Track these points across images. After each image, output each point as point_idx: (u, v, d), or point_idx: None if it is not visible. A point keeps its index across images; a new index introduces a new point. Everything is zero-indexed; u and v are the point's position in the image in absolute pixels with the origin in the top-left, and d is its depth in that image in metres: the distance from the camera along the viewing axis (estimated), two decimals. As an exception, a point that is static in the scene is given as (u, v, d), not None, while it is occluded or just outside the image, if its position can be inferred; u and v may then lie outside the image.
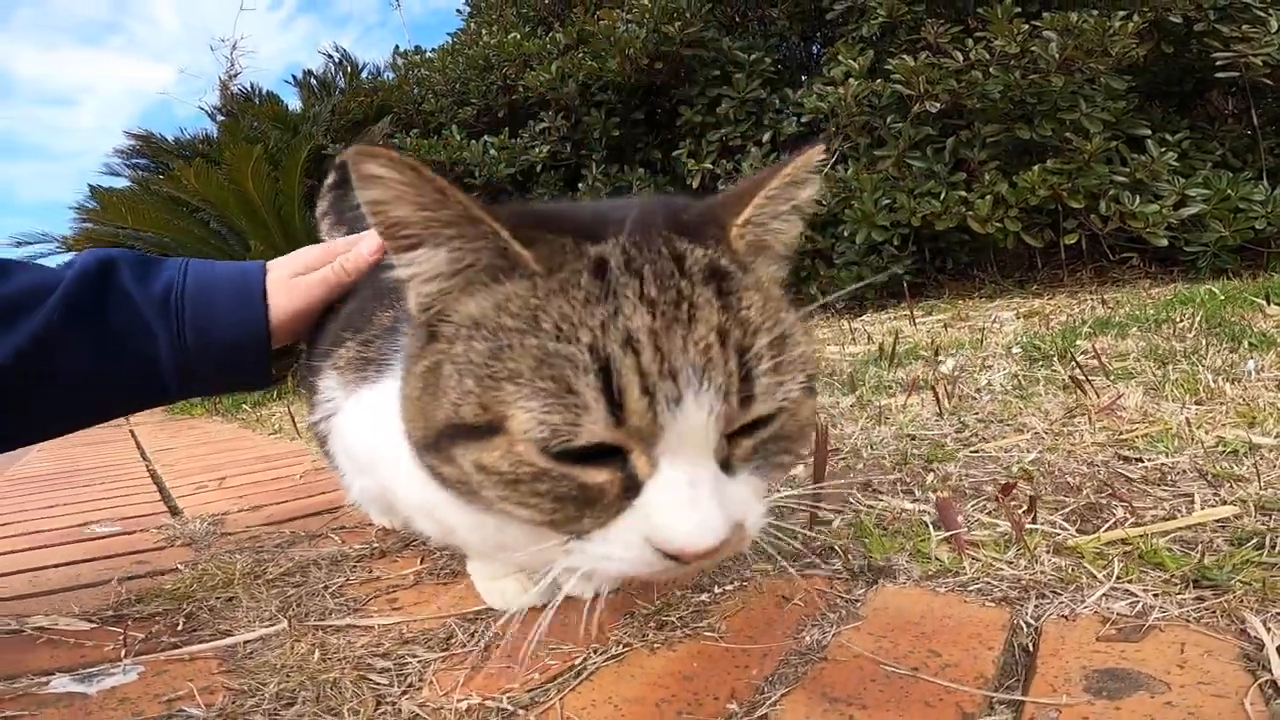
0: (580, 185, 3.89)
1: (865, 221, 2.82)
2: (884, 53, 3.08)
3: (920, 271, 3.12)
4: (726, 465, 0.41)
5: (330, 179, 1.28)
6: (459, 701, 0.51)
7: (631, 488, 0.40)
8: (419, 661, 0.58)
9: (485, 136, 4.17)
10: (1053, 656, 0.52)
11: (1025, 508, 0.75)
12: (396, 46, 5.80)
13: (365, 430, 0.64)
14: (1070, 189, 2.60)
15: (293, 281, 0.78)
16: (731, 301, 0.43)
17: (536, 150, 3.99)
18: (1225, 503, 0.73)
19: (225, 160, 4.18)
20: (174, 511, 1.25)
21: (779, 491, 0.56)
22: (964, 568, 0.67)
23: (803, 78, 3.52)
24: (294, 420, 2.32)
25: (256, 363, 0.77)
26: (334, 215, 1.20)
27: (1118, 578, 0.61)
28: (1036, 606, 0.59)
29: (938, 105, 2.72)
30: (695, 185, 3.44)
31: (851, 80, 2.91)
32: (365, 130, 4.71)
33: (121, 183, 5.66)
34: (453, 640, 0.61)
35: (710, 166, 3.41)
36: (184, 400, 0.80)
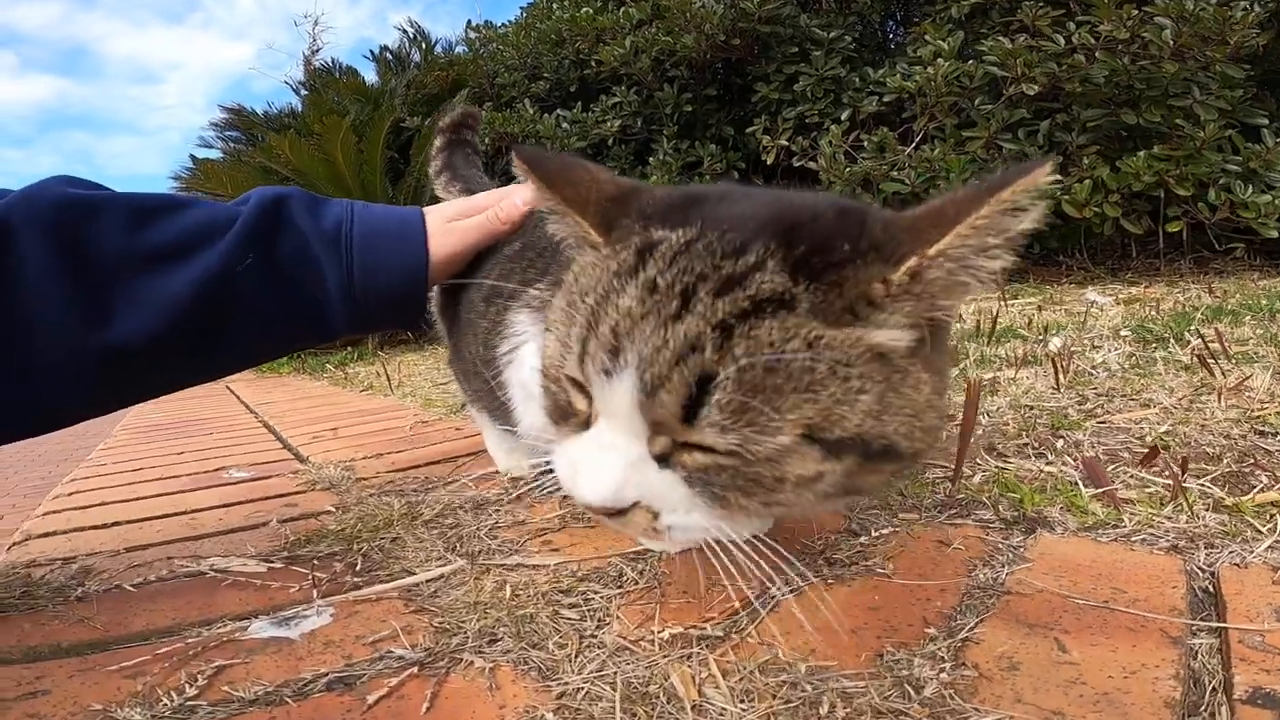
0: (650, 160, 3.83)
1: (951, 204, 2.69)
2: (972, 34, 2.92)
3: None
4: (664, 459, 0.42)
5: (438, 141, 1.30)
6: (660, 632, 0.50)
7: (586, 424, 0.46)
8: (600, 597, 0.57)
9: (558, 110, 4.14)
10: (1237, 595, 0.51)
11: (1181, 467, 0.74)
12: (469, 21, 5.80)
13: None
14: (1179, 176, 2.42)
15: (449, 226, 0.79)
16: (737, 329, 0.39)
17: (608, 124, 3.93)
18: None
19: (316, 132, 4.25)
20: (300, 459, 1.28)
21: None
22: (1123, 520, 0.66)
23: (880, 57, 3.36)
24: (388, 377, 2.36)
25: (417, 303, 0.77)
26: (449, 173, 1.22)
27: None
28: (1207, 555, 0.59)
29: (1035, 88, 2.56)
30: (770, 161, 3.35)
31: (940, 60, 2.75)
32: (444, 105, 4.72)
33: (214, 154, 5.85)
34: (624, 578, 0.60)
35: (786, 143, 3.30)
36: (343, 338, 0.78)
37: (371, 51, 6.35)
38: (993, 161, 2.71)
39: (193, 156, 5.42)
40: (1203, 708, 0.41)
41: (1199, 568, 0.57)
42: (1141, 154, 2.47)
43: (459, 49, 5.83)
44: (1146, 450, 0.80)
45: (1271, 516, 0.63)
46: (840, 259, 0.41)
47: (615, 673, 0.46)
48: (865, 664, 0.46)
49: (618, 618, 0.54)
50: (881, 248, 0.41)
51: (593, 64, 4.06)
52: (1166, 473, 0.75)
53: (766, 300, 0.40)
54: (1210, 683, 0.43)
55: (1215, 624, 0.48)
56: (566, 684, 0.45)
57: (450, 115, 1.33)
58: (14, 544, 0.84)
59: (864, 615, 0.52)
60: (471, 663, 0.48)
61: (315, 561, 0.69)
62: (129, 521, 0.89)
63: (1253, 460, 0.78)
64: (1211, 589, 0.54)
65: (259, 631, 0.54)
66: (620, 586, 0.59)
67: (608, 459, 0.43)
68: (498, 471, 0.99)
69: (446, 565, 0.65)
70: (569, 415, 0.47)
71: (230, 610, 0.58)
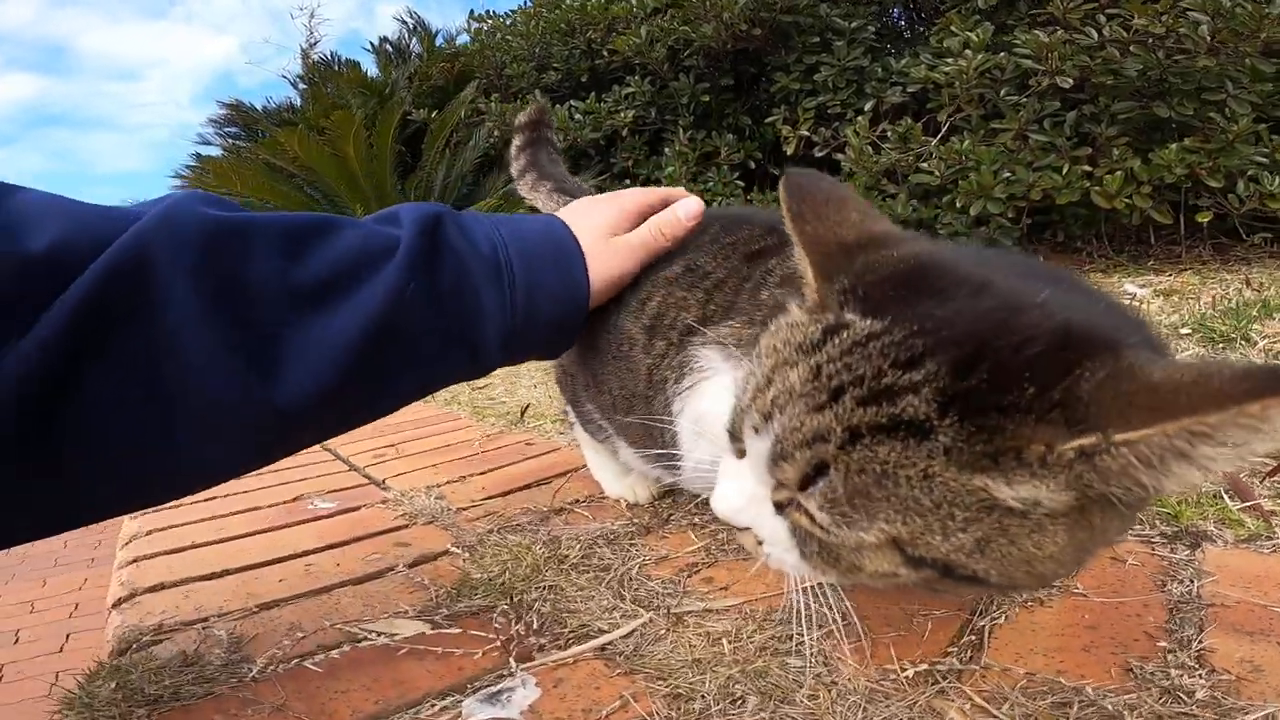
0: (666, 151, 3.76)
1: (982, 193, 2.65)
2: (998, 26, 2.87)
3: (1018, 242, 2.95)
4: (780, 507, 0.46)
5: (518, 140, 1.23)
6: (904, 671, 0.49)
7: (740, 456, 0.50)
8: (809, 639, 0.54)
9: (570, 101, 4.04)
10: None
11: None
12: (471, 11, 5.66)
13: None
14: (1211, 169, 2.40)
15: (610, 244, 0.71)
16: (863, 440, 0.40)
17: (621, 115, 3.84)
18: None
19: (322, 127, 4.14)
20: (377, 484, 1.22)
21: None
22: (1275, 531, 0.69)
23: (901, 48, 3.29)
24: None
25: (571, 333, 0.70)
26: (535, 172, 1.15)
27: None
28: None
29: (1069, 81, 2.52)
30: (791, 151, 3.29)
31: (969, 52, 2.70)
32: (454, 98, 4.60)
33: (215, 151, 5.69)
34: (821, 615, 0.57)
35: (807, 134, 3.24)
36: (492, 371, 0.68)
37: (371, 43, 6.19)
38: (1019, 153, 2.68)
39: (198, 155, 5.26)
40: None
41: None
42: (1173, 146, 2.44)
43: (461, 39, 5.69)
44: (1273, 464, 0.81)
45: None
46: (1010, 404, 0.37)
47: (889, 718, 0.45)
48: (1118, 678, 0.48)
49: (839, 658, 0.52)
50: (1073, 407, 0.35)
51: (605, 54, 3.96)
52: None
53: (906, 423, 0.39)
54: None
55: None
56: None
57: (527, 112, 1.25)
58: (122, 600, 0.79)
59: (1086, 634, 0.53)
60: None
61: (483, 619, 0.64)
62: (241, 569, 0.84)
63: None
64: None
65: (476, 712, 0.50)
66: (823, 624, 0.56)
67: (738, 487, 0.49)
68: (604, 496, 0.95)
69: (635, 618, 0.61)
70: (734, 439, 0.51)
71: (428, 687, 0.54)
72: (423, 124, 4.71)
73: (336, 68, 5.76)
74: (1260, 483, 0.79)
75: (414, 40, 5.99)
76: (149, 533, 1.06)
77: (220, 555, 0.90)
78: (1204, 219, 2.56)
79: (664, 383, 0.72)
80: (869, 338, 0.42)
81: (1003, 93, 2.70)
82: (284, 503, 1.14)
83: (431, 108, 4.77)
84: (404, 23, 6.12)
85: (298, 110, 5.50)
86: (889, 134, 2.93)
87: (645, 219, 0.76)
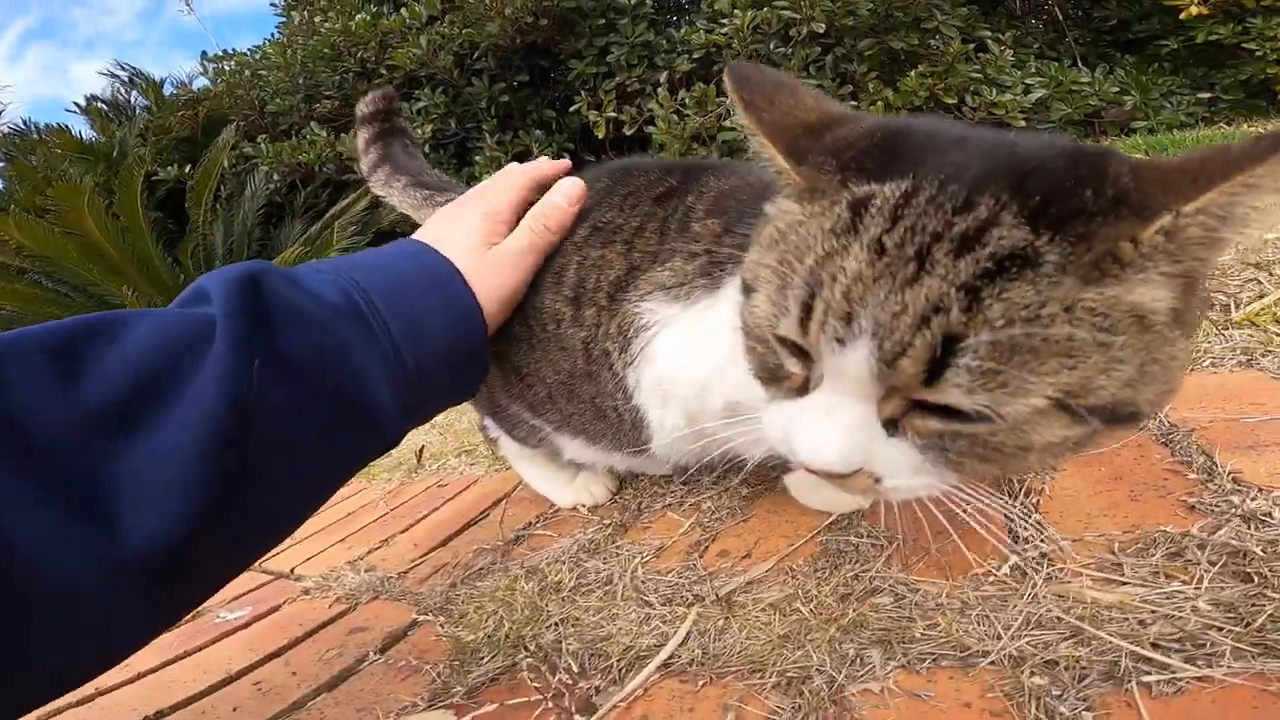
0: (476, 158, 3.64)
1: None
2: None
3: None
4: (893, 423, 0.40)
5: (365, 134, 1.07)
6: (999, 570, 0.47)
7: (804, 388, 0.43)
8: (883, 568, 0.51)
9: (356, 128, 3.74)
10: None
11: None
12: (204, 52, 4.97)
13: (702, 336, 0.59)
14: (944, 88, 2.91)
15: (490, 258, 0.60)
16: (984, 288, 0.36)
17: (419, 131, 3.64)
18: None
19: (46, 205, 3.36)
20: (288, 577, 0.98)
21: None
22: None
23: (680, 18, 3.54)
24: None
25: (479, 364, 0.59)
26: (387, 166, 1.00)
27: None
28: None
29: (821, 27, 2.89)
30: (602, 135, 3.37)
31: (739, 11, 2.99)
32: (209, 148, 4.01)
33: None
34: (863, 550, 0.55)
35: (614, 114, 3.34)
36: (403, 432, 0.56)
37: (76, 104, 5.16)
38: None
39: None
40: None
41: None
42: (912, 73, 2.92)
43: (199, 83, 4.99)
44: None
45: None
46: (1079, 210, 0.36)
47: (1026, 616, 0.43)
48: (1189, 516, 0.48)
49: (922, 581, 0.50)
50: (1129, 199, 0.36)
51: (383, 71, 3.73)
52: None
53: (1009, 257, 0.36)
54: None
55: None
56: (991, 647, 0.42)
57: (368, 101, 1.07)
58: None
59: (1120, 486, 0.52)
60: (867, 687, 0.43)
61: (512, 682, 0.53)
62: (180, 707, 0.65)
63: None
64: None
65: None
66: (876, 554, 0.55)
67: (835, 424, 0.41)
68: (556, 509, 0.86)
69: (681, 620, 0.53)
70: (779, 378, 0.44)
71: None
72: (178, 181, 4.05)
73: (38, 136, 4.73)
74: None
75: (133, 93, 5.13)
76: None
77: (141, 696, 0.69)
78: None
79: (607, 356, 0.65)
80: (907, 197, 0.39)
81: (772, 45, 3.02)
82: (185, 623, 0.89)
83: (182, 162, 4.11)
84: (115, 76, 5.20)
85: (1, 193, 4.42)
86: (687, 101, 3.13)
87: (520, 214, 0.67)
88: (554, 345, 0.69)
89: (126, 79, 5.17)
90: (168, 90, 5.04)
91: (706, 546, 0.66)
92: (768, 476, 0.74)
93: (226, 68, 4.54)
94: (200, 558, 0.43)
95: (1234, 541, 0.45)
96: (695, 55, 3.20)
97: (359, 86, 3.93)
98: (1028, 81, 2.89)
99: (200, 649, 0.78)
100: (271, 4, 4.74)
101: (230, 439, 0.41)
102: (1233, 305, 0.85)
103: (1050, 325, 0.35)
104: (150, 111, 4.79)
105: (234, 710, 0.62)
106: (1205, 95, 2.89)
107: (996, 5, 3.49)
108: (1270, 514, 0.47)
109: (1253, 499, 0.49)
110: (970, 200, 0.37)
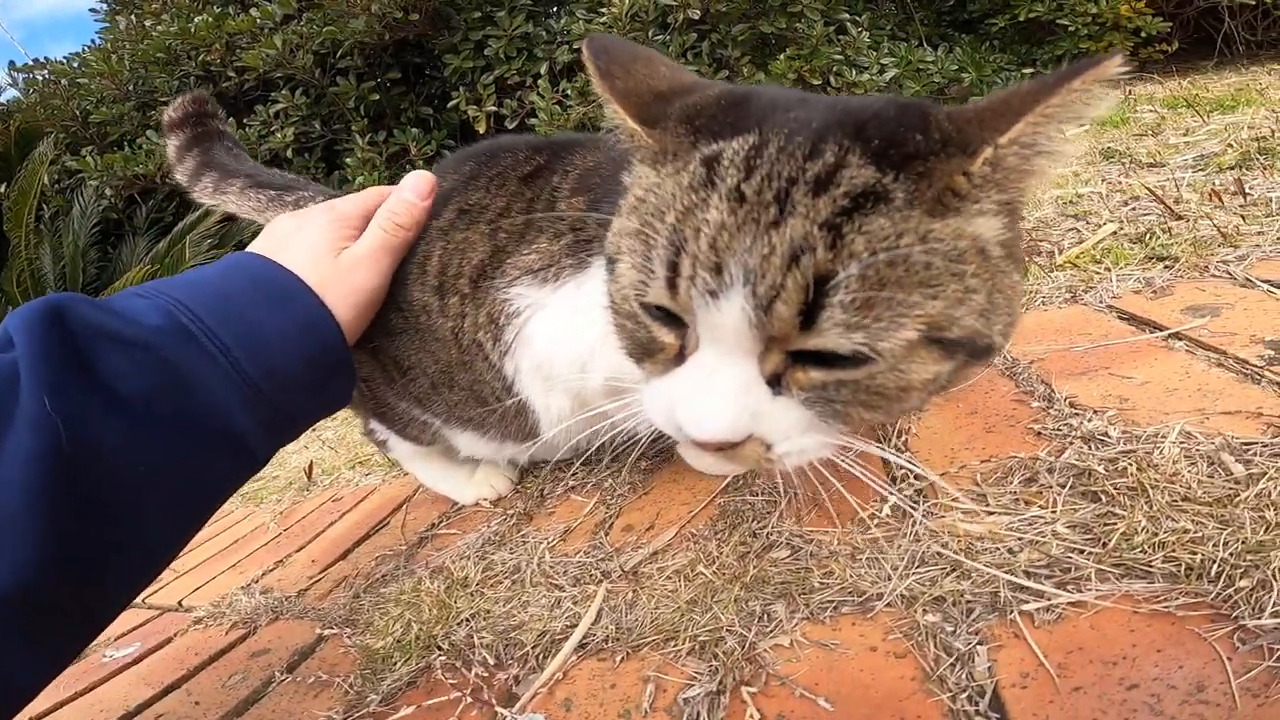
0: (348, 160, 3.41)
1: (667, 126, 2.97)
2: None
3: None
4: (777, 380, 0.40)
5: (176, 141, 0.98)
6: (881, 513, 0.49)
7: (680, 356, 0.43)
8: (774, 521, 0.52)
9: (207, 134, 3.40)
10: None
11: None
12: (11, 62, 4.36)
13: (576, 315, 0.58)
14: (810, 69, 3.04)
15: (339, 263, 0.58)
16: (844, 225, 0.37)
17: (279, 136, 3.37)
18: None
19: None
20: (176, 610, 0.89)
21: None
22: None
23: (559, 9, 3.48)
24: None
25: (342, 371, 0.56)
26: (215, 172, 0.93)
27: None
28: None
29: (697, 13, 2.93)
30: (483, 130, 3.25)
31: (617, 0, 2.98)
32: (23, 164, 3.51)
33: None
34: (759, 507, 0.56)
35: (494, 109, 3.24)
36: (271, 450, 0.54)
37: None
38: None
39: None
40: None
41: None
42: (781, 57, 3.03)
43: (8, 95, 4.37)
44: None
45: None
46: (916, 150, 0.38)
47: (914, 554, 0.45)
48: (1036, 442, 0.53)
49: (816, 532, 0.51)
50: (953, 139, 0.39)
51: (231, 74, 3.42)
52: None
53: (862, 195, 0.37)
54: None
55: None
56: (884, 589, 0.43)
57: (176, 107, 0.98)
58: None
59: (975, 420, 0.56)
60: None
61: (428, 684, 0.50)
62: None
63: None
64: None
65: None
66: (769, 511, 0.55)
67: (719, 389, 0.39)
68: (459, 507, 0.83)
69: (590, 599, 0.52)
70: (653, 352, 0.44)
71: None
72: (-8, 204, 3.53)
73: None
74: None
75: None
76: None
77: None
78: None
79: (478, 348, 0.64)
80: (757, 149, 0.40)
81: (650, 33, 3.03)
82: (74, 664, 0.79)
83: (-5, 181, 3.60)
84: (-104, 89, 4.46)
85: None
86: (569, 91, 3.09)
87: (369, 217, 0.64)
88: (429, 336, 0.66)
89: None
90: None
91: (611, 523, 0.65)
92: (666, 448, 0.73)
93: (39, 77, 3.99)
94: (65, 595, 0.40)
95: (1077, 462, 0.49)
96: (575, 45, 3.15)
97: (203, 90, 3.58)
98: (883, 62, 3.07)
99: (92, 688, 0.71)
100: (91, 10, 4.22)
101: (67, 480, 0.39)
102: (1056, 251, 0.94)
103: (910, 255, 0.37)
104: (-52, 127, 4.13)
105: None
106: (1028, 71, 3.19)
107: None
108: (1107, 433, 0.51)
109: (1089, 421, 0.53)
110: (817, 147, 0.39)
